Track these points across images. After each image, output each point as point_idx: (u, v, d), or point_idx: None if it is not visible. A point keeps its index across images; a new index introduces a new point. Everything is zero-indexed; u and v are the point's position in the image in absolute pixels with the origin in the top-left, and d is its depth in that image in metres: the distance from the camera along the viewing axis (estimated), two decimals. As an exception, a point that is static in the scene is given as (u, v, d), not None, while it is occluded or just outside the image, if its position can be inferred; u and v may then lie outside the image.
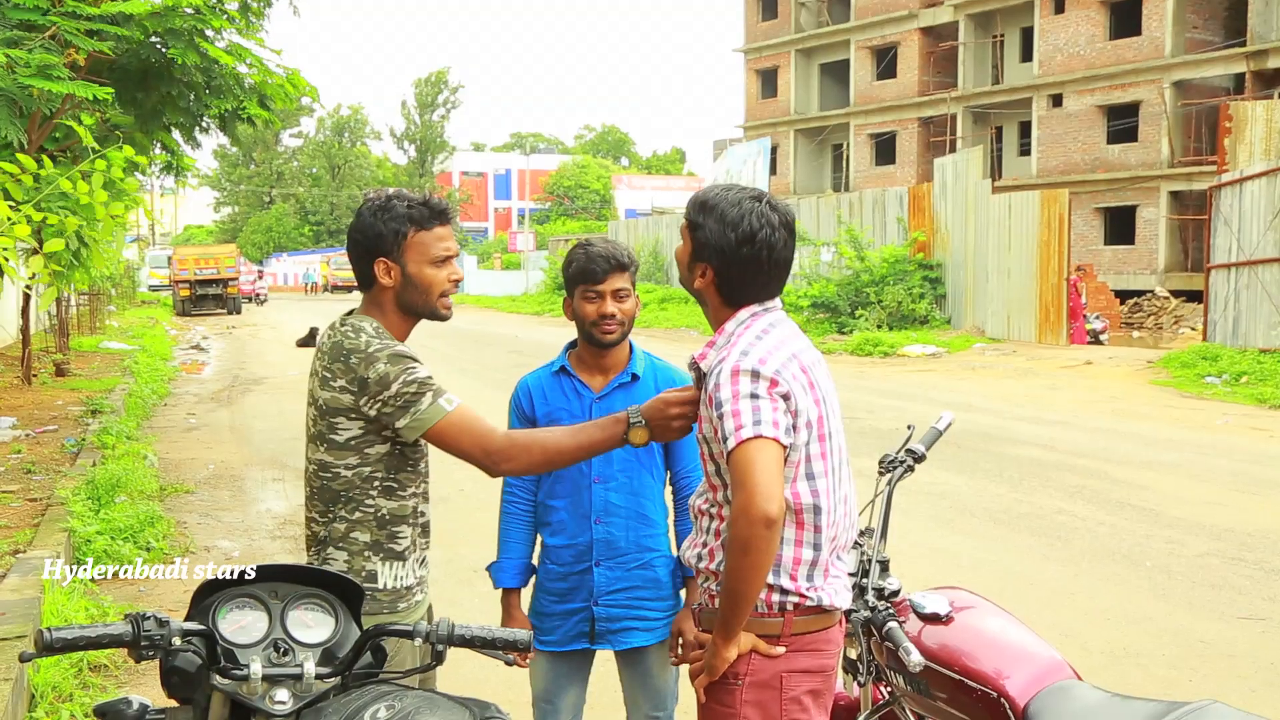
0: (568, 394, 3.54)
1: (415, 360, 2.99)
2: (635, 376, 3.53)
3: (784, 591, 2.73)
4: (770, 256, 2.78)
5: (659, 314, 35.19)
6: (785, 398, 2.67)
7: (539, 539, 3.65)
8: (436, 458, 3.13)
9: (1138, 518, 8.82)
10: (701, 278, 2.83)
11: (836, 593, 2.81)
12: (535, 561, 3.66)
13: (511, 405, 3.64)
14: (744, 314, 2.83)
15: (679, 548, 3.59)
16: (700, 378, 2.86)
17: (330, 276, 67.84)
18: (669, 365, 3.66)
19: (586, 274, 3.45)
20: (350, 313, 3.15)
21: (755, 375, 2.66)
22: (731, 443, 2.62)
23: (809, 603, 2.75)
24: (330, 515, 3.06)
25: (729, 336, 2.80)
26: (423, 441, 3.08)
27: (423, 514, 3.15)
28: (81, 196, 6.91)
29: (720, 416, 2.66)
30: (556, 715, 3.60)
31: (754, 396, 2.64)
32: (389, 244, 3.04)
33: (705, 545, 2.84)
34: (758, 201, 2.79)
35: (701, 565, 2.84)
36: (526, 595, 3.67)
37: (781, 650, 2.73)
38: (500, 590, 3.64)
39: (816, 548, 2.75)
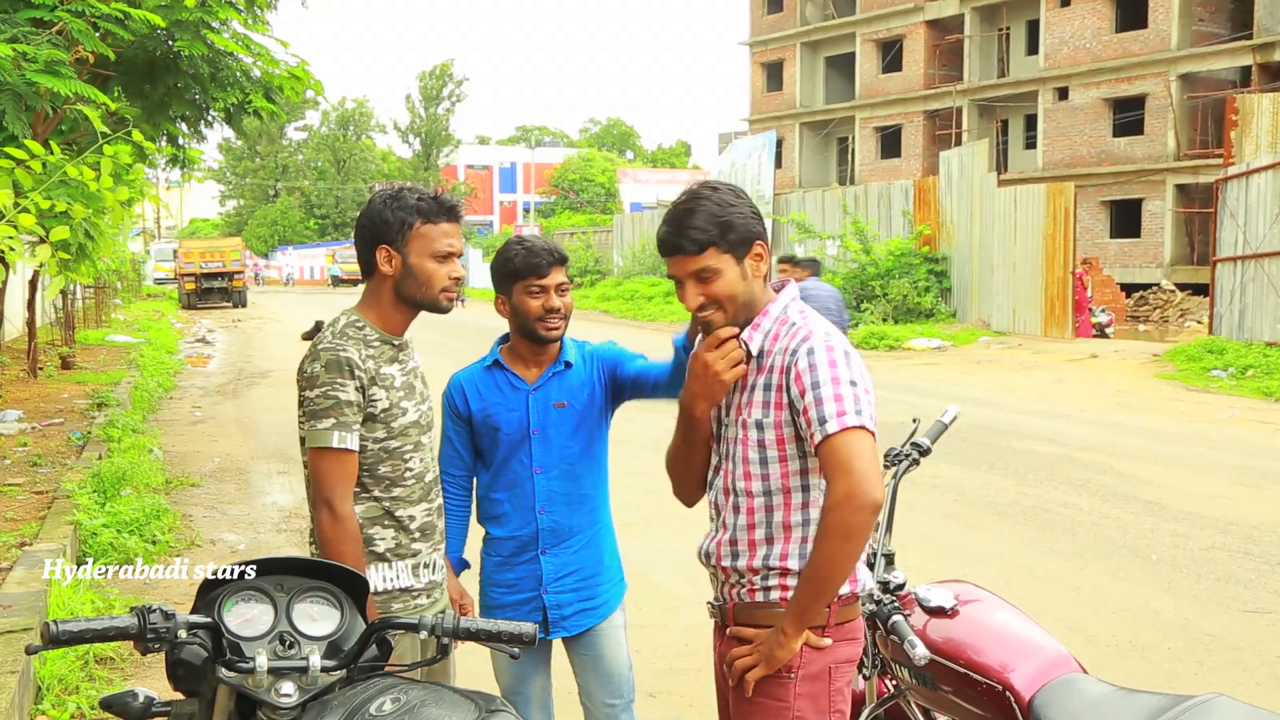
0: (502, 388, 3.51)
1: (352, 380, 2.98)
2: (568, 364, 3.51)
3: None
4: None
5: (664, 308, 35.20)
6: (868, 389, 2.67)
7: (483, 531, 3.62)
8: (436, 452, 3.13)
9: (1143, 511, 8.81)
10: (758, 258, 2.76)
11: (867, 579, 2.85)
12: (470, 556, 3.63)
13: (444, 402, 3.57)
14: (788, 294, 2.81)
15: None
16: (747, 360, 2.77)
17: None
18: (596, 345, 3.64)
19: (531, 268, 3.40)
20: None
21: (848, 356, 2.66)
22: (833, 426, 2.55)
23: (854, 590, 2.75)
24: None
25: (778, 319, 2.76)
26: (395, 443, 3.08)
27: (411, 518, 3.12)
28: (89, 184, 6.89)
29: (818, 399, 2.59)
30: (529, 704, 3.59)
31: (853, 384, 2.61)
32: (394, 232, 3.06)
33: (740, 542, 2.77)
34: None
35: (740, 564, 2.77)
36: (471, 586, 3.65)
37: (829, 641, 2.70)
38: None
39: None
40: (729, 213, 2.70)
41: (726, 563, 2.79)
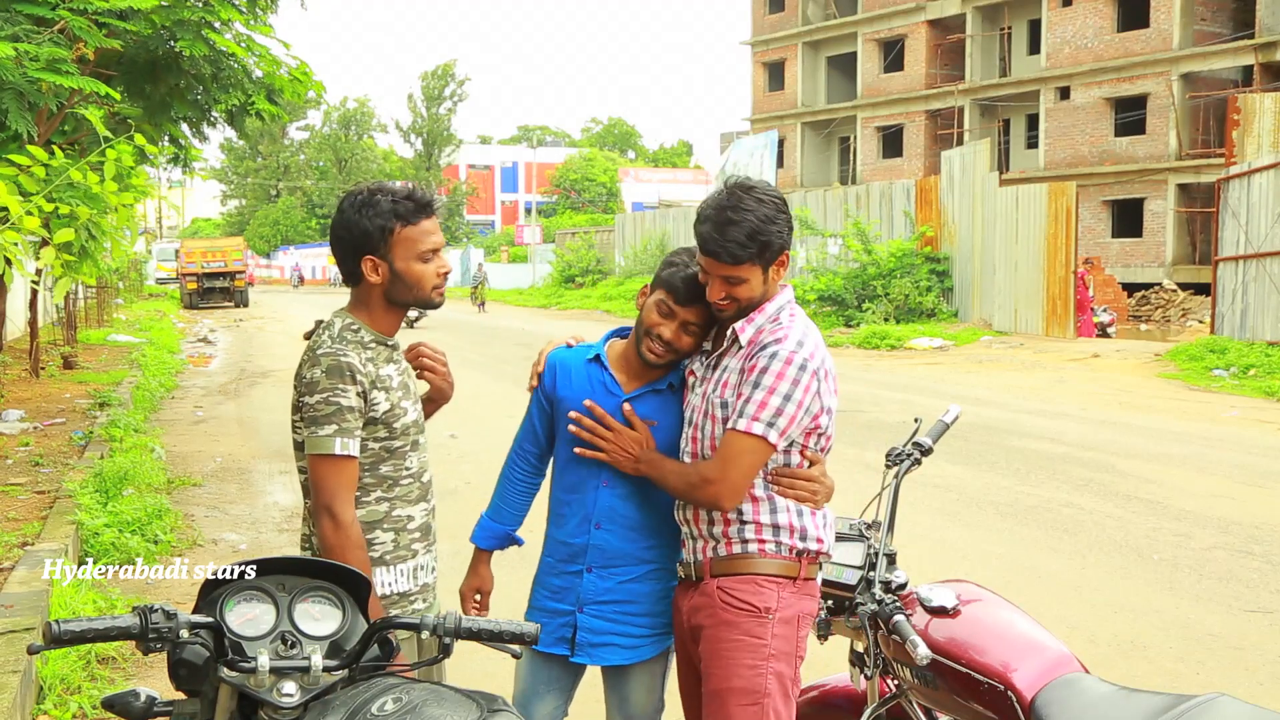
0: (595, 388, 3.26)
1: (353, 385, 2.95)
2: (672, 386, 3.25)
3: (804, 537, 3.04)
4: None
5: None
6: (819, 394, 2.96)
7: (545, 530, 3.47)
8: (440, 452, 3.12)
9: (1145, 511, 8.81)
10: (781, 265, 3.03)
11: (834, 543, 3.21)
12: (518, 534, 3.49)
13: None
14: (785, 296, 3.06)
15: None
16: (733, 344, 3.04)
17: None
18: None
19: (672, 288, 3.13)
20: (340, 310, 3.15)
21: (803, 368, 2.90)
22: (741, 424, 2.87)
23: (823, 548, 3.10)
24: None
25: (770, 316, 3.00)
26: (397, 443, 3.06)
27: (410, 518, 3.10)
28: (93, 186, 6.91)
29: (750, 396, 2.89)
30: None
31: (786, 398, 2.88)
32: (375, 241, 3.00)
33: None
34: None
35: (715, 531, 3.09)
36: (518, 579, 3.56)
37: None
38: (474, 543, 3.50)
39: (825, 513, 3.13)
40: (769, 231, 2.93)
41: (703, 527, 3.08)
